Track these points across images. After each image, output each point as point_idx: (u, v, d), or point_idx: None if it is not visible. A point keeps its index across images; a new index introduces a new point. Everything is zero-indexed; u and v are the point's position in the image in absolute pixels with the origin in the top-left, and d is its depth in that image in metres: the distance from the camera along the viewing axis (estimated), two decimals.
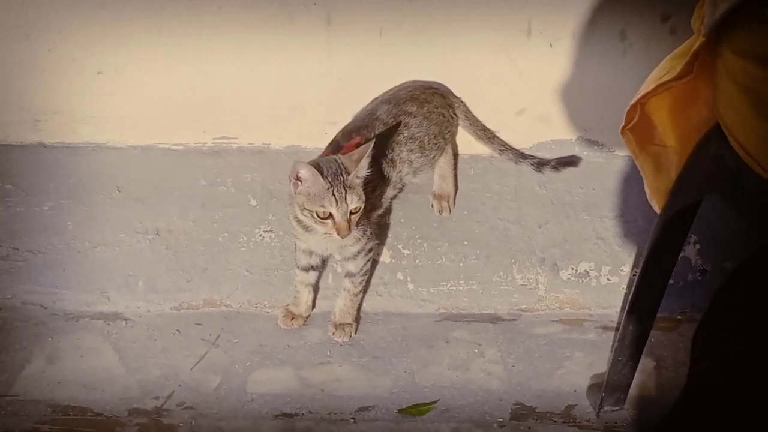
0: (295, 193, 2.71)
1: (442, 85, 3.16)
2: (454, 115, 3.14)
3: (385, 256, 3.21)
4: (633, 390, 2.76)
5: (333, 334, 3.01)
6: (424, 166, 3.07)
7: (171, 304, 3.11)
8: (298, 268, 3.04)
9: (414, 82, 3.14)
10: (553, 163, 3.14)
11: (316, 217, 2.68)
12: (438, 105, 3.08)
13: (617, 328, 3.00)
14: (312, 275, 3.06)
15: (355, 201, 2.68)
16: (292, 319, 3.06)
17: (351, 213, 2.69)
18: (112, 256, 3.14)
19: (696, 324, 2.42)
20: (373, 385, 2.85)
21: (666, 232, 2.47)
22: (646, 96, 2.33)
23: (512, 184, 3.27)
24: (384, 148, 2.94)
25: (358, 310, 3.09)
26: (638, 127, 2.42)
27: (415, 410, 2.77)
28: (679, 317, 3.15)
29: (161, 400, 2.76)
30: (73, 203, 3.17)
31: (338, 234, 2.69)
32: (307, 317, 3.08)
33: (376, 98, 3.13)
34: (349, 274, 3.02)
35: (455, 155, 3.24)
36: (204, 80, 3.13)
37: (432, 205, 3.23)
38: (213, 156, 3.23)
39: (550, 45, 3.12)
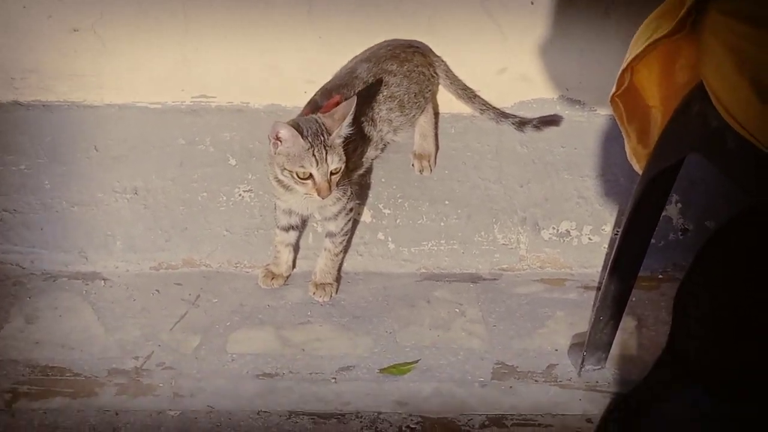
0: (275, 153, 2.68)
1: (423, 43, 3.14)
2: (434, 74, 3.12)
3: (366, 216, 3.20)
4: (614, 349, 2.76)
5: (314, 293, 3.00)
6: (404, 124, 3.05)
7: (150, 264, 3.09)
8: (278, 227, 3.02)
9: (394, 40, 3.11)
10: (534, 122, 3.12)
11: (296, 177, 2.66)
12: (418, 64, 3.06)
13: (598, 288, 3.01)
14: (292, 235, 3.04)
15: (335, 161, 2.66)
16: (273, 278, 3.04)
17: (331, 173, 2.67)
18: (90, 215, 3.11)
19: (677, 283, 2.42)
20: (354, 345, 2.85)
21: (648, 191, 2.46)
22: (636, 58, 2.30)
23: (493, 144, 3.25)
24: (364, 107, 2.91)
25: (339, 270, 3.08)
26: (626, 94, 2.40)
27: (396, 370, 2.76)
28: (660, 276, 3.15)
29: (141, 360, 2.75)
30: (50, 162, 3.13)
31: (318, 195, 2.67)
32: (287, 277, 3.07)
33: (355, 57, 3.10)
34: (329, 234, 3.00)
35: (436, 114, 3.22)
36: (182, 38, 3.09)
37: (413, 165, 3.21)
38: (191, 114, 3.20)
39: (531, 2, 3.10)
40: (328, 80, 3.00)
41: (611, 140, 3.21)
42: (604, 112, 3.16)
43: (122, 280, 3.04)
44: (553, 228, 3.22)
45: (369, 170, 3.15)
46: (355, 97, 2.70)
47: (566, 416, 2.65)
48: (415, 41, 3.13)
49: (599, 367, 2.77)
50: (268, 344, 2.83)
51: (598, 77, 2.37)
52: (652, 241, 2.58)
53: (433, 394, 2.69)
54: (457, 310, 2.99)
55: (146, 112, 3.19)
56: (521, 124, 3.14)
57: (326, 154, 2.63)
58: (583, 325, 2.91)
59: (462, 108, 3.21)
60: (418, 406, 2.65)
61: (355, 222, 3.15)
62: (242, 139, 3.20)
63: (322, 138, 2.64)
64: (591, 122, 3.25)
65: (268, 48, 3.13)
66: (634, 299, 2.92)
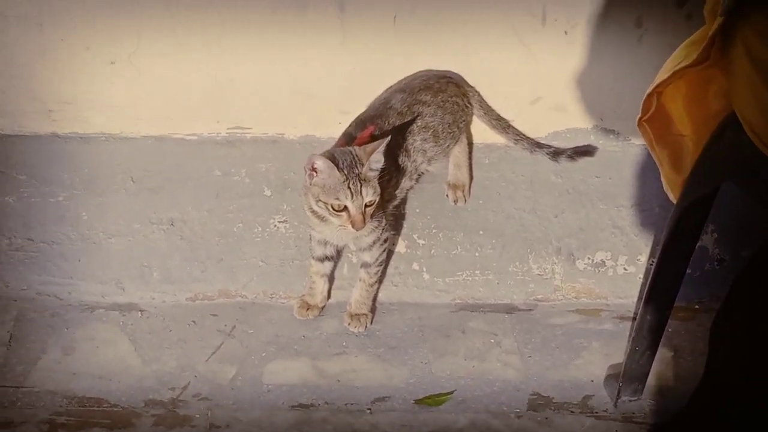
0: (310, 185, 2.68)
1: (456, 74, 3.15)
2: (468, 104, 3.12)
3: (401, 246, 3.20)
4: (650, 380, 2.75)
5: (349, 324, 3.00)
6: (438, 155, 3.05)
7: (186, 295, 3.10)
8: (313, 258, 3.02)
9: (428, 71, 3.13)
10: (568, 153, 3.12)
11: (330, 209, 2.66)
12: (452, 94, 3.07)
13: (634, 318, 2.99)
14: (327, 265, 3.05)
15: (370, 194, 2.66)
16: (308, 309, 3.05)
17: (366, 206, 2.67)
18: (126, 246, 3.13)
19: (714, 313, 2.41)
20: (389, 376, 2.85)
21: (683, 220, 2.45)
22: (662, 84, 2.31)
23: (528, 173, 3.25)
24: (398, 138, 2.92)
25: (374, 300, 3.08)
26: (654, 119, 2.40)
27: (432, 401, 2.76)
28: (696, 306, 3.13)
29: (177, 391, 2.76)
30: (87, 194, 3.16)
31: (353, 227, 2.67)
32: (322, 308, 3.07)
33: (390, 87, 3.12)
34: (364, 265, 2.99)
35: (470, 144, 3.23)
36: (217, 70, 3.12)
37: (447, 195, 3.21)
38: (227, 146, 3.22)
39: (565, 32, 3.10)
40: (363, 111, 3.01)
41: (646, 170, 3.20)
42: (639, 142, 3.15)
43: (159, 311, 3.05)
44: (588, 258, 3.21)
45: (403, 201, 3.15)
46: (390, 132, 2.72)
47: None
48: (449, 72, 3.14)
49: (636, 398, 2.76)
50: (303, 375, 2.84)
51: (632, 106, 2.36)
52: (688, 271, 2.58)
53: (468, 426, 2.68)
54: (492, 340, 2.99)
55: (182, 144, 3.21)
56: (555, 154, 3.13)
57: (361, 186, 2.63)
58: (619, 355, 2.89)
59: (496, 138, 3.22)
60: None
61: (390, 252, 3.15)
62: (277, 170, 3.21)
63: (357, 170, 2.64)
64: (626, 152, 3.24)
65: (303, 78, 3.15)
66: (670, 330, 2.90)
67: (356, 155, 2.66)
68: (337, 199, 2.63)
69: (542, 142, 3.18)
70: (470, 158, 3.22)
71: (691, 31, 2.28)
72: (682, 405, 2.66)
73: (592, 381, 2.85)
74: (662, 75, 2.30)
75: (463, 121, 3.11)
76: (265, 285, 3.14)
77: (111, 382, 2.78)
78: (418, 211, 3.22)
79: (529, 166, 3.24)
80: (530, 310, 3.13)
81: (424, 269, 3.19)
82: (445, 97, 3.05)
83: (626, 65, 3.11)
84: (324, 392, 2.78)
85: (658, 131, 2.42)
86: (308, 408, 2.72)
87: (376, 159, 2.66)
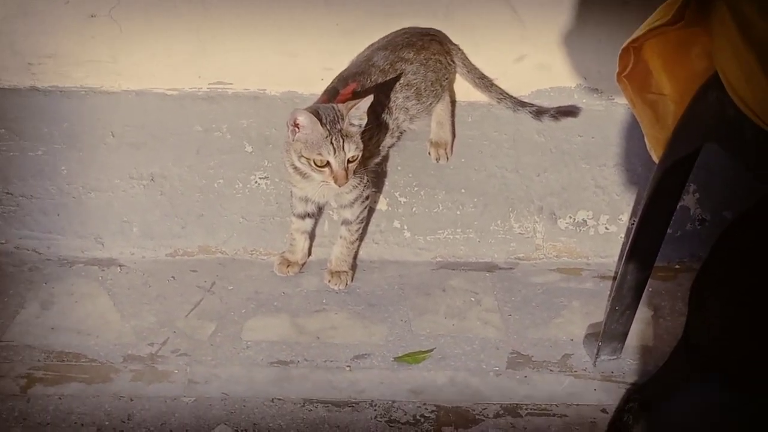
0: (293, 140, 2.68)
1: (440, 31, 3.13)
2: (451, 62, 3.11)
3: (382, 204, 3.19)
4: (630, 339, 2.75)
5: (329, 281, 3.00)
6: (420, 112, 3.04)
7: (166, 251, 3.09)
8: (294, 215, 3.02)
9: (411, 28, 3.11)
10: (552, 112, 3.12)
11: (313, 164, 2.66)
12: (435, 52, 3.05)
13: (615, 278, 2.99)
14: (308, 222, 3.04)
15: (352, 149, 2.66)
16: (288, 266, 3.04)
17: (348, 161, 2.66)
18: (106, 201, 3.12)
19: (694, 274, 2.41)
20: (369, 333, 2.84)
21: (665, 180, 2.45)
22: (638, 40, 2.30)
23: (510, 132, 3.24)
24: (380, 95, 2.91)
25: (355, 257, 3.07)
26: (635, 75, 2.39)
27: (411, 358, 2.76)
28: (677, 266, 3.14)
29: (156, 346, 2.75)
30: (67, 148, 3.14)
31: (335, 183, 2.67)
32: (302, 264, 3.07)
33: (372, 44, 3.10)
34: (345, 222, 2.99)
35: (453, 102, 3.21)
36: (199, 24, 3.09)
37: (429, 153, 3.20)
38: (208, 101, 3.20)
39: None
40: (345, 68, 3.00)
41: (629, 130, 3.20)
42: (623, 102, 3.14)
43: (138, 267, 3.04)
44: (570, 217, 3.20)
45: (385, 158, 3.14)
46: (372, 95, 2.69)
47: (581, 406, 2.64)
48: (432, 29, 3.12)
49: (615, 357, 2.76)
50: (283, 332, 2.83)
51: (616, 67, 2.36)
52: (669, 231, 2.58)
53: (447, 383, 2.68)
54: (473, 299, 2.99)
55: (163, 99, 3.19)
56: (538, 113, 3.12)
57: (343, 142, 2.63)
58: (599, 315, 2.89)
59: (479, 96, 3.20)
60: (433, 394, 2.65)
61: (371, 210, 3.14)
62: (259, 126, 3.19)
63: (340, 126, 2.63)
64: (609, 111, 3.23)
65: (286, 35, 3.12)
66: (650, 289, 2.92)
67: (338, 111, 2.66)
68: (320, 154, 2.63)
69: (525, 100, 3.17)
70: (453, 116, 3.21)
71: None
72: (661, 365, 2.67)
73: (572, 340, 2.85)
74: (638, 32, 2.29)
75: (446, 78, 3.09)
76: (246, 241, 3.13)
77: (90, 336, 2.77)
78: (399, 168, 3.21)
79: (511, 124, 3.23)
80: (511, 268, 3.13)
81: (406, 227, 3.18)
82: (428, 55, 3.03)
83: (611, 25, 3.09)
84: (303, 349, 2.77)
85: (638, 88, 2.41)
86: (287, 365, 2.72)
87: (356, 114, 2.65)
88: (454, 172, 3.22)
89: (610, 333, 2.72)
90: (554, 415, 2.61)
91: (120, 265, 3.04)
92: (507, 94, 3.16)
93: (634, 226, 2.56)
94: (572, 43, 3.15)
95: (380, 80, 2.93)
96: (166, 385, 2.63)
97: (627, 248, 2.59)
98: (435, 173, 3.21)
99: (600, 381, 2.72)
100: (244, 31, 3.11)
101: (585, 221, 3.20)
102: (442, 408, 2.61)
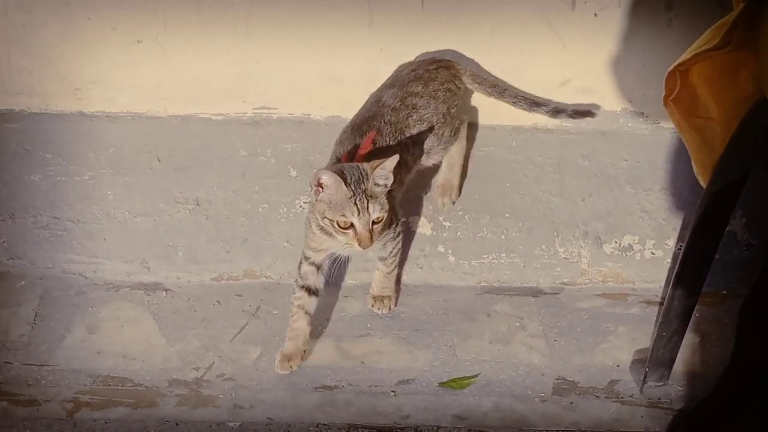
0: (317, 200, 2.60)
1: (443, 56, 3.13)
2: (460, 85, 3.08)
3: (426, 228, 3.18)
4: (677, 366, 2.74)
5: (372, 306, 2.99)
6: (434, 146, 3.01)
7: (211, 275, 3.10)
8: (299, 286, 2.84)
9: (417, 60, 3.11)
10: (569, 111, 3.08)
11: (336, 226, 2.58)
12: (443, 80, 3.02)
13: (661, 303, 2.97)
14: (314, 302, 2.85)
15: (377, 210, 2.58)
16: (290, 360, 2.78)
17: (374, 222, 2.59)
18: (152, 226, 3.13)
19: (742, 299, 2.39)
20: (414, 358, 2.84)
21: (712, 205, 2.44)
22: (684, 64, 2.29)
23: (555, 156, 3.23)
24: (396, 134, 2.88)
25: (397, 282, 3.06)
26: (682, 99, 2.38)
27: (456, 384, 2.75)
28: (724, 292, 3.10)
29: (201, 371, 2.76)
30: (113, 173, 3.16)
31: (359, 245, 2.59)
32: (305, 352, 2.82)
33: (379, 87, 3.06)
34: (380, 258, 2.93)
35: (469, 140, 3.21)
36: (244, 51, 3.11)
37: (433, 194, 3.21)
38: (253, 126, 3.22)
39: (595, 15, 3.09)
40: (355, 114, 2.97)
41: (675, 154, 3.18)
42: (668, 126, 3.13)
43: (183, 291, 3.05)
44: (616, 242, 3.18)
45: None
46: (398, 155, 2.62)
47: None
48: (438, 55, 3.12)
49: (662, 383, 2.74)
50: (327, 356, 2.83)
51: (661, 90, 2.35)
52: (717, 256, 2.55)
53: (492, 409, 2.67)
54: (518, 324, 2.97)
55: (208, 124, 3.21)
56: (556, 111, 3.08)
57: (368, 203, 2.55)
58: (646, 340, 2.87)
59: (523, 120, 3.21)
60: (478, 420, 2.64)
61: (412, 233, 3.15)
62: (303, 150, 3.20)
63: (364, 186, 2.56)
64: (654, 135, 3.22)
65: (330, 60, 3.14)
66: (697, 315, 2.88)
67: (363, 170, 2.58)
68: (344, 215, 2.56)
69: (542, 100, 3.13)
70: (466, 158, 3.20)
71: (720, 16, 2.26)
72: (709, 391, 2.65)
73: (618, 366, 2.83)
74: (685, 56, 2.29)
75: (455, 105, 3.06)
76: (290, 266, 3.11)
77: (135, 361, 2.78)
78: None
79: (556, 148, 3.22)
80: (556, 293, 3.11)
81: (450, 251, 3.17)
82: (436, 86, 3.00)
83: (656, 49, 3.09)
84: (348, 374, 2.77)
85: (685, 112, 2.40)
86: (332, 389, 2.72)
87: (381, 174, 2.58)
88: (499, 196, 3.21)
89: (657, 359, 2.70)
90: None
91: (165, 290, 3.05)
92: (521, 95, 3.11)
93: (681, 252, 2.55)
94: (616, 67, 3.15)
95: (393, 119, 2.89)
96: (211, 409, 2.64)
97: (674, 274, 2.57)
98: (479, 198, 3.20)
99: (647, 407, 2.69)
100: (288, 55, 3.13)
101: (631, 246, 3.18)
102: None
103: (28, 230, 3.09)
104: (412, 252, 3.15)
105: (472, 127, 3.26)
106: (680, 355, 2.71)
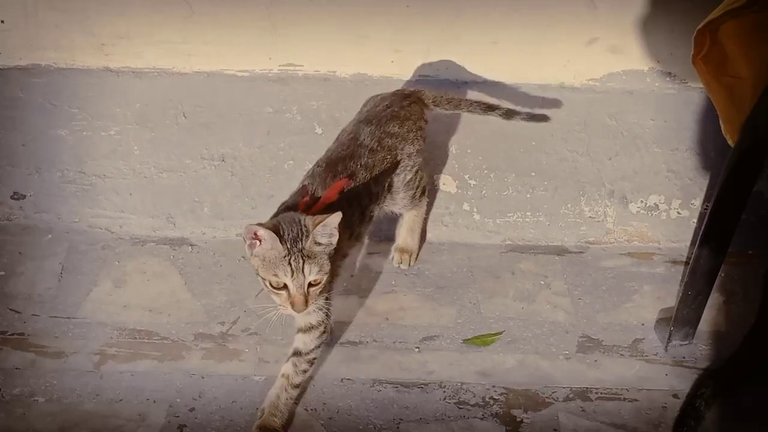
0: (251, 255, 2.35)
1: (413, 88, 3.01)
2: (426, 120, 2.92)
3: (451, 187, 3.18)
4: (702, 325, 2.73)
5: (400, 263, 2.99)
6: (399, 189, 2.82)
7: (236, 231, 3.10)
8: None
9: (389, 94, 2.93)
10: (523, 115, 2.95)
11: (269, 286, 2.34)
12: (416, 118, 2.86)
13: (687, 262, 2.97)
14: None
15: (314, 272, 2.31)
16: None
17: (310, 285, 2.32)
18: (177, 181, 3.14)
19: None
20: (438, 315, 2.84)
21: (740, 165, 2.42)
22: (714, 23, 2.27)
23: (582, 115, 3.22)
24: (368, 178, 2.68)
25: (421, 238, 3.07)
26: (711, 58, 2.37)
27: (480, 341, 2.76)
28: (750, 252, 3.09)
29: (227, 325, 2.77)
30: (139, 128, 3.17)
31: (293, 308, 2.32)
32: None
33: (355, 118, 2.89)
34: (295, 353, 2.55)
35: (428, 204, 3.07)
36: (270, 6, 3.10)
37: (392, 258, 3.04)
38: (279, 83, 3.21)
39: None
40: (330, 148, 2.77)
41: (703, 114, 3.16)
42: (696, 85, 3.11)
43: (209, 246, 3.06)
44: (642, 201, 3.17)
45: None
46: (340, 213, 2.31)
47: (652, 391, 2.62)
48: (407, 89, 2.98)
49: (686, 342, 2.74)
50: (352, 313, 2.84)
51: (690, 49, 2.33)
52: (743, 216, 2.54)
53: (517, 366, 2.68)
54: (542, 282, 2.97)
55: (234, 80, 3.21)
56: (509, 114, 2.94)
57: (304, 263, 2.29)
58: (671, 299, 2.87)
59: (551, 78, 3.20)
60: (502, 377, 2.64)
61: (437, 190, 3.16)
62: (329, 108, 3.20)
63: (302, 245, 2.30)
64: (682, 95, 3.20)
65: (356, 17, 3.12)
66: (723, 275, 2.87)
67: (304, 226, 2.32)
68: (276, 275, 2.30)
69: (495, 103, 3.00)
70: (424, 223, 3.10)
71: None
72: (734, 350, 2.65)
73: (643, 324, 2.83)
74: (714, 14, 2.27)
75: (420, 145, 2.87)
76: None
77: (161, 315, 2.80)
78: (469, 151, 3.20)
79: (583, 107, 3.21)
80: (581, 252, 3.11)
81: (475, 210, 3.17)
82: (410, 126, 2.82)
83: (685, 8, 3.05)
84: (372, 330, 2.78)
85: (715, 71, 2.39)
86: (356, 345, 2.73)
87: (323, 232, 2.32)
88: (525, 154, 3.20)
89: (682, 318, 2.69)
90: (625, 399, 2.59)
91: (191, 245, 3.06)
92: (473, 102, 2.97)
93: (708, 212, 2.54)
94: (645, 26, 3.12)
95: (369, 162, 2.69)
96: (236, 363, 2.66)
97: (700, 234, 2.56)
98: (505, 156, 3.20)
99: (671, 366, 2.69)
100: (314, 12, 3.11)
101: (657, 205, 3.17)
102: (511, 391, 2.60)
103: (54, 184, 3.10)
104: (437, 210, 3.15)
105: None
106: (705, 315, 2.71)
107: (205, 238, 3.09)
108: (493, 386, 2.61)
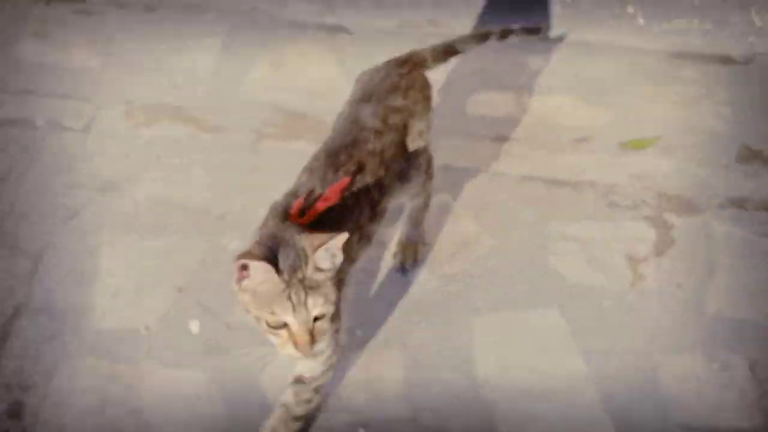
0: (237, 290, 1.90)
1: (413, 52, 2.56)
2: (431, 86, 2.42)
3: None
4: None
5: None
6: (415, 179, 2.36)
7: (395, 22, 3.08)
8: None
9: (382, 64, 2.45)
10: (517, 31, 2.59)
11: (264, 326, 1.90)
12: (419, 86, 2.37)
13: None
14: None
15: (319, 305, 1.88)
16: None
17: (315, 319, 1.90)
18: None
19: None
20: (593, 117, 2.82)
21: None
22: None
23: None
24: (379, 169, 2.20)
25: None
26: None
27: (636, 144, 2.72)
28: None
29: None
30: None
31: (296, 350, 1.90)
32: None
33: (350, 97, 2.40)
34: (297, 380, 2.17)
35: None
36: None
37: (394, 256, 2.58)
38: None
39: None
40: (328, 138, 2.26)
41: None
42: None
43: (367, 35, 3.05)
44: None
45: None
46: (346, 234, 1.88)
47: None
48: (402, 55, 2.45)
49: None
50: (507, 109, 2.83)
51: None
52: None
53: (672, 171, 2.66)
54: (705, 90, 2.89)
55: None
56: (503, 35, 2.57)
57: (306, 296, 1.86)
58: None
59: None
60: (656, 181, 2.63)
61: None
62: None
63: (302, 274, 1.87)
64: None
65: None
66: None
67: (301, 251, 1.88)
68: (273, 313, 1.87)
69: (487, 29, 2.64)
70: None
71: None
72: None
73: None
74: None
75: (429, 118, 2.41)
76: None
77: (317, 98, 2.83)
78: None
79: None
80: (747, 63, 3.01)
81: (640, 13, 3.08)
82: (416, 96, 2.33)
83: None
84: (525, 128, 2.78)
85: None
86: (509, 140, 2.73)
87: (325, 257, 1.89)
88: None
89: None
90: None
91: (349, 33, 3.05)
92: (467, 38, 2.55)
93: None
94: None
95: (378, 147, 2.20)
96: None
97: None
98: None
99: None
100: None
101: None
102: (664, 195, 2.59)
103: None
104: (600, 11, 3.09)
105: None
106: None
107: (363, 26, 3.07)
108: (646, 189, 2.60)
